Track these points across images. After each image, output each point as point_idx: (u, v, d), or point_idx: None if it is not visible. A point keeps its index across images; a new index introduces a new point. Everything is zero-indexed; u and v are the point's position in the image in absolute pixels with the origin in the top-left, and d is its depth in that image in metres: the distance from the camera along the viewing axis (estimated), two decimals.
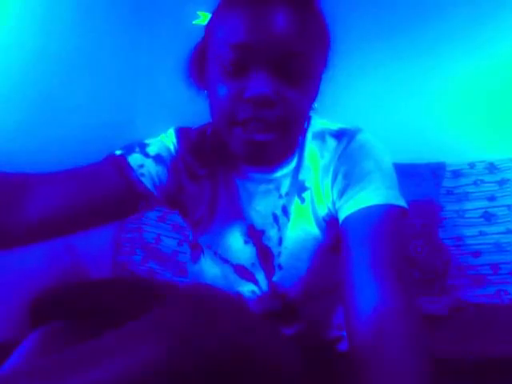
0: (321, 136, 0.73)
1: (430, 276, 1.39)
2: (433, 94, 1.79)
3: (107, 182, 0.69)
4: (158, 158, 0.73)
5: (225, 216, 0.75)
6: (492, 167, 1.58)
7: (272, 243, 0.74)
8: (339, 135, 0.71)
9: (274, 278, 0.73)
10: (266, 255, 0.74)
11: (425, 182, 1.52)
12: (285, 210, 0.73)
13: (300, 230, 0.72)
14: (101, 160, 0.73)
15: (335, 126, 0.74)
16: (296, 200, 0.72)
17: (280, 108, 0.63)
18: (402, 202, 0.66)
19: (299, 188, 0.73)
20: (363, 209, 0.64)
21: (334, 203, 0.70)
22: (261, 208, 0.74)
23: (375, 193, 0.64)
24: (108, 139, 1.89)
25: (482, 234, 1.50)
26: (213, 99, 0.66)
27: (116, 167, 0.70)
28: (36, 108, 1.56)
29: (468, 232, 1.51)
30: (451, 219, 1.54)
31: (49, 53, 1.59)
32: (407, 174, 1.53)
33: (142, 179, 0.70)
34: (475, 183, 1.57)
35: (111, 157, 0.72)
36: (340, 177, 0.68)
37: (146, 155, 0.72)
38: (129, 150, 0.73)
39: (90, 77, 1.76)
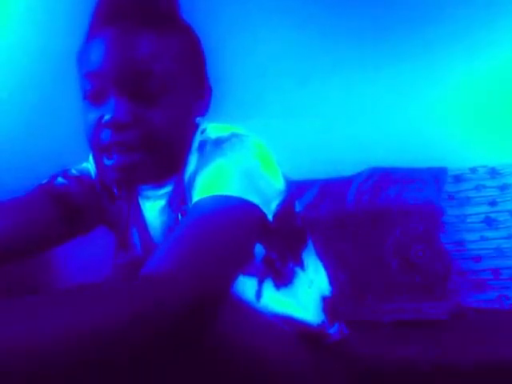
0: (201, 146, 0.70)
1: (431, 280, 1.39)
2: (434, 98, 1.79)
3: (39, 209, 0.75)
4: (78, 180, 0.79)
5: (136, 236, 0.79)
6: (493, 172, 1.58)
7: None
8: (216, 142, 0.67)
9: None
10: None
11: (426, 186, 1.51)
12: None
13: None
14: (30, 190, 0.78)
15: (221, 132, 0.69)
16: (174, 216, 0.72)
17: (139, 129, 0.63)
18: (251, 197, 0.60)
19: (180, 204, 0.72)
20: (207, 197, 0.60)
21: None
22: (157, 225, 0.75)
23: (211, 187, 0.61)
24: None
25: (483, 239, 1.50)
26: (84, 128, 0.68)
27: (44, 192, 0.76)
28: (37, 108, 1.56)
29: (469, 237, 1.51)
30: (452, 224, 1.54)
31: (51, 53, 1.59)
32: (409, 178, 1.53)
33: (69, 197, 0.76)
34: (477, 188, 1.57)
35: (39, 185, 0.78)
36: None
37: (68, 178, 0.79)
38: (53, 176, 0.79)
39: None
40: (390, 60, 1.81)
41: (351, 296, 1.41)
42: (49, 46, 1.58)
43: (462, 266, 1.48)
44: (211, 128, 0.72)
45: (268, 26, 1.88)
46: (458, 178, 1.61)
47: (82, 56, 0.69)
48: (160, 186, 0.72)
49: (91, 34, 0.67)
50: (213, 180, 0.62)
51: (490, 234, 1.50)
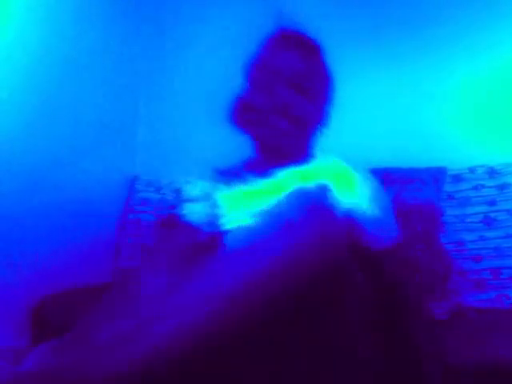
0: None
1: (431, 280, 1.39)
2: (433, 98, 1.79)
3: None
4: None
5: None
6: (492, 172, 1.58)
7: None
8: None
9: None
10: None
11: (426, 186, 1.52)
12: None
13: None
14: None
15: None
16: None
17: (295, 109, 0.95)
18: None
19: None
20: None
21: None
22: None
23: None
24: (109, 139, 1.89)
25: (482, 238, 1.50)
26: (254, 109, 0.97)
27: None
28: (37, 109, 1.56)
29: (468, 237, 1.51)
30: (452, 224, 1.54)
31: (51, 53, 1.59)
32: (408, 178, 1.53)
33: None
34: (475, 188, 1.57)
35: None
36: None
37: None
38: None
39: (91, 77, 1.76)
40: (390, 61, 1.81)
41: None
42: (49, 45, 1.58)
43: (461, 266, 1.48)
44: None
45: None
46: (457, 178, 1.61)
47: (268, 62, 1.00)
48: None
49: (274, 51, 1.01)
50: None
51: (489, 233, 1.50)
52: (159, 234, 1.11)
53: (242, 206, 0.93)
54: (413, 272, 0.86)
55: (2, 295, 1.45)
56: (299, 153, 0.99)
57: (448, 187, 1.59)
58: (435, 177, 1.56)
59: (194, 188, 1.02)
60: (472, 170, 1.61)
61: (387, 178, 1.54)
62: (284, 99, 0.94)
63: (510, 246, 1.46)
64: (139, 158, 2.06)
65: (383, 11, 1.84)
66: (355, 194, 0.88)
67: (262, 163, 0.99)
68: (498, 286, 1.44)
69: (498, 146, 1.69)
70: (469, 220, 1.53)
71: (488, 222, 1.52)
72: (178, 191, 1.84)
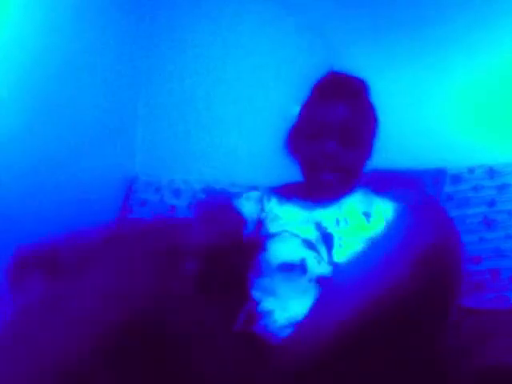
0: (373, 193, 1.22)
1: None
2: (432, 98, 1.79)
3: None
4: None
5: (300, 216, 1.14)
6: (492, 172, 1.58)
7: (332, 230, 1.10)
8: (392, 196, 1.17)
9: (332, 252, 1.06)
10: (327, 238, 1.08)
11: (425, 187, 1.51)
12: (345, 219, 1.12)
13: (359, 236, 1.05)
14: None
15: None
16: (362, 219, 1.12)
17: (342, 161, 1.12)
18: None
19: (365, 213, 1.13)
20: None
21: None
22: (327, 213, 1.13)
23: None
24: (108, 138, 1.89)
25: (482, 239, 1.50)
26: (303, 161, 1.18)
27: None
28: (35, 108, 1.55)
29: (468, 238, 1.50)
30: None
31: (50, 53, 1.59)
32: (408, 179, 1.53)
33: None
34: (475, 188, 1.57)
35: None
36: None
37: None
38: None
39: (90, 77, 1.76)
40: (388, 61, 1.81)
41: None
42: (47, 45, 1.58)
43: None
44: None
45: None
46: (456, 179, 1.61)
47: (314, 111, 1.16)
48: (337, 199, 1.19)
49: (322, 101, 1.15)
50: None
51: (488, 234, 1.50)
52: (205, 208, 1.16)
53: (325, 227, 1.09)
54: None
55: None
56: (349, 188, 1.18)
57: (447, 188, 1.58)
58: (435, 178, 1.56)
59: (252, 193, 1.21)
60: (471, 170, 1.60)
61: (386, 180, 1.54)
62: (334, 152, 1.09)
63: (509, 247, 1.46)
64: (138, 158, 2.06)
65: (382, 11, 1.84)
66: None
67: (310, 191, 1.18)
68: (498, 287, 1.44)
69: (497, 146, 1.69)
70: (468, 221, 1.53)
71: (488, 222, 1.51)
72: (177, 192, 1.84)
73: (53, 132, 1.63)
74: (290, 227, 1.10)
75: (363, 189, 1.20)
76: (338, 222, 1.11)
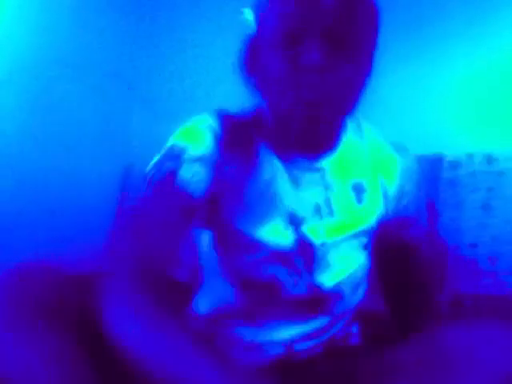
0: (376, 142, 0.82)
1: None
2: (430, 85, 1.77)
3: None
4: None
5: (262, 200, 0.72)
6: (490, 158, 1.57)
7: (313, 234, 0.73)
8: (397, 148, 0.83)
9: (313, 269, 0.74)
10: (305, 244, 0.73)
11: (423, 173, 1.51)
12: (328, 203, 0.74)
13: (349, 227, 0.75)
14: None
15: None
16: (350, 197, 0.75)
17: (332, 79, 0.64)
18: None
19: (356, 187, 0.76)
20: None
21: (387, 212, 0.79)
22: (303, 196, 0.73)
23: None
24: (106, 138, 1.88)
25: (480, 225, 1.49)
26: (269, 81, 0.68)
27: None
28: (32, 109, 1.55)
29: (466, 224, 1.50)
30: (449, 211, 1.53)
31: (46, 53, 1.58)
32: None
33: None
34: (473, 174, 1.56)
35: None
36: (404, 197, 0.80)
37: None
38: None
39: (87, 76, 1.75)
40: (387, 48, 1.79)
41: None
42: (46, 46, 1.57)
43: (458, 253, 1.47)
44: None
45: None
46: (455, 165, 1.60)
47: (279, 5, 0.68)
48: (316, 157, 0.75)
49: None
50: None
51: (486, 220, 1.49)
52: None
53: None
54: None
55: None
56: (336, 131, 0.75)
57: (445, 174, 1.58)
58: (433, 164, 1.55)
59: (200, 144, 0.71)
60: (470, 156, 1.59)
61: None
62: (319, 65, 0.62)
63: (507, 233, 1.46)
64: (134, 146, 2.05)
65: (381, 5, 1.82)
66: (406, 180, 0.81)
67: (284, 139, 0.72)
68: (496, 272, 1.44)
69: (496, 133, 1.68)
70: (466, 207, 1.53)
71: (486, 208, 1.51)
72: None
73: (52, 133, 1.62)
74: (251, 224, 0.72)
75: (353, 125, 0.79)
76: (318, 210, 0.73)
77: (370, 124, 0.83)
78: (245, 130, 0.75)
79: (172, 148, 0.71)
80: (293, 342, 0.75)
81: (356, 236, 0.75)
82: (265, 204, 0.72)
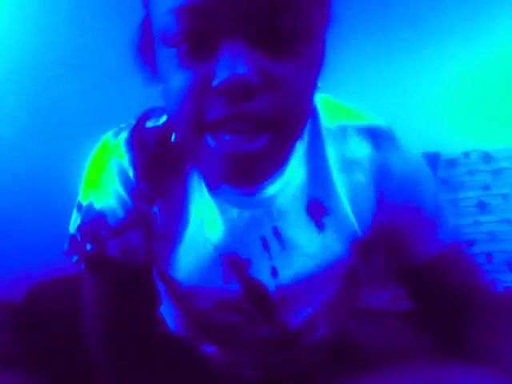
0: (341, 134, 0.56)
1: None
2: (426, 83, 1.78)
3: None
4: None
5: (195, 245, 0.57)
6: (487, 156, 1.58)
7: (263, 275, 0.57)
8: (371, 135, 0.56)
9: (273, 312, 0.59)
10: (256, 290, 0.57)
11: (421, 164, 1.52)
12: (277, 234, 0.56)
13: (311, 263, 0.57)
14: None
15: (356, 115, 0.58)
16: (310, 227, 0.56)
17: (270, 94, 0.41)
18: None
19: (314, 209, 0.55)
20: (437, 256, 0.58)
21: (366, 229, 0.57)
22: (245, 234, 0.56)
23: (445, 232, 0.59)
24: (101, 126, 1.88)
25: (476, 223, 1.50)
26: (167, 95, 0.46)
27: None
28: (32, 109, 1.54)
29: (462, 221, 1.51)
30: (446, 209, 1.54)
31: (46, 53, 1.58)
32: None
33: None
34: (470, 172, 1.57)
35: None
36: (391, 207, 0.57)
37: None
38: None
39: (87, 76, 1.74)
40: (382, 46, 1.80)
41: None
42: (44, 46, 1.57)
43: None
44: (322, 104, 0.55)
45: None
46: (451, 163, 1.61)
47: None
48: (259, 185, 0.53)
49: None
50: (437, 226, 0.59)
51: (483, 218, 1.50)
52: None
53: None
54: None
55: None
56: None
57: (442, 172, 1.59)
58: (429, 162, 1.55)
59: (116, 210, 0.56)
60: (466, 154, 1.61)
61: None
62: (245, 76, 0.39)
63: (503, 231, 1.47)
64: None
65: (377, 3, 1.82)
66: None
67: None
68: (492, 270, 1.45)
69: (492, 131, 1.69)
70: (462, 204, 1.54)
71: (482, 206, 1.52)
72: None
73: (51, 133, 1.62)
74: (186, 274, 0.58)
75: (310, 125, 0.56)
76: (266, 244, 0.56)
77: (331, 103, 0.59)
78: (169, 154, 0.55)
79: (86, 217, 0.58)
80: (268, 366, 0.67)
81: (324, 269, 0.57)
82: (199, 250, 0.56)
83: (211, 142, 0.43)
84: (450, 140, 1.67)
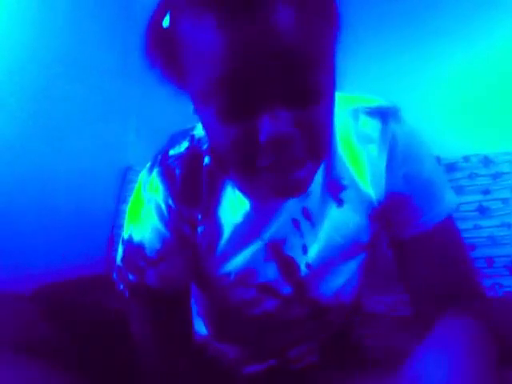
0: (354, 114, 0.63)
1: None
2: (427, 87, 1.78)
3: None
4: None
5: (239, 237, 0.64)
6: (487, 160, 1.58)
7: (295, 253, 0.65)
8: (380, 113, 0.62)
9: (302, 289, 0.67)
10: (288, 267, 0.65)
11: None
12: (306, 213, 0.63)
13: (336, 236, 0.63)
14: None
15: (365, 100, 0.65)
16: (329, 203, 0.62)
17: (306, 137, 0.47)
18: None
19: (333, 187, 0.62)
20: (435, 226, 0.62)
21: (381, 199, 0.63)
22: (279, 217, 0.63)
23: (444, 203, 0.62)
24: (106, 138, 1.88)
25: (476, 227, 1.50)
26: (212, 140, 0.53)
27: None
28: (32, 109, 1.54)
29: (462, 225, 1.51)
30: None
31: (46, 53, 1.57)
32: None
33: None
34: (470, 177, 1.57)
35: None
36: (397, 175, 0.61)
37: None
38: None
39: (87, 76, 1.74)
40: (382, 50, 1.80)
41: None
42: (42, 47, 1.57)
43: None
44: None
45: None
46: (451, 167, 1.61)
47: (200, 42, 0.43)
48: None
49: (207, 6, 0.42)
50: (438, 198, 0.62)
51: (483, 222, 1.50)
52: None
53: None
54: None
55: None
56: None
57: None
58: None
59: (154, 242, 0.65)
60: (466, 158, 1.61)
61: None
62: (288, 132, 0.45)
63: (503, 235, 1.46)
64: (134, 147, 2.05)
65: (376, 4, 1.83)
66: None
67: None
68: (492, 274, 1.44)
69: (492, 135, 1.69)
70: (463, 209, 1.53)
71: (482, 210, 1.52)
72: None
73: (50, 122, 1.62)
74: (232, 266, 0.66)
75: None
76: (295, 223, 0.63)
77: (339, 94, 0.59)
78: (199, 175, 0.62)
79: (127, 250, 0.67)
80: (286, 348, 0.74)
81: (347, 241, 0.65)
82: (243, 241, 0.65)
83: (266, 177, 0.50)
84: (449, 144, 1.67)
